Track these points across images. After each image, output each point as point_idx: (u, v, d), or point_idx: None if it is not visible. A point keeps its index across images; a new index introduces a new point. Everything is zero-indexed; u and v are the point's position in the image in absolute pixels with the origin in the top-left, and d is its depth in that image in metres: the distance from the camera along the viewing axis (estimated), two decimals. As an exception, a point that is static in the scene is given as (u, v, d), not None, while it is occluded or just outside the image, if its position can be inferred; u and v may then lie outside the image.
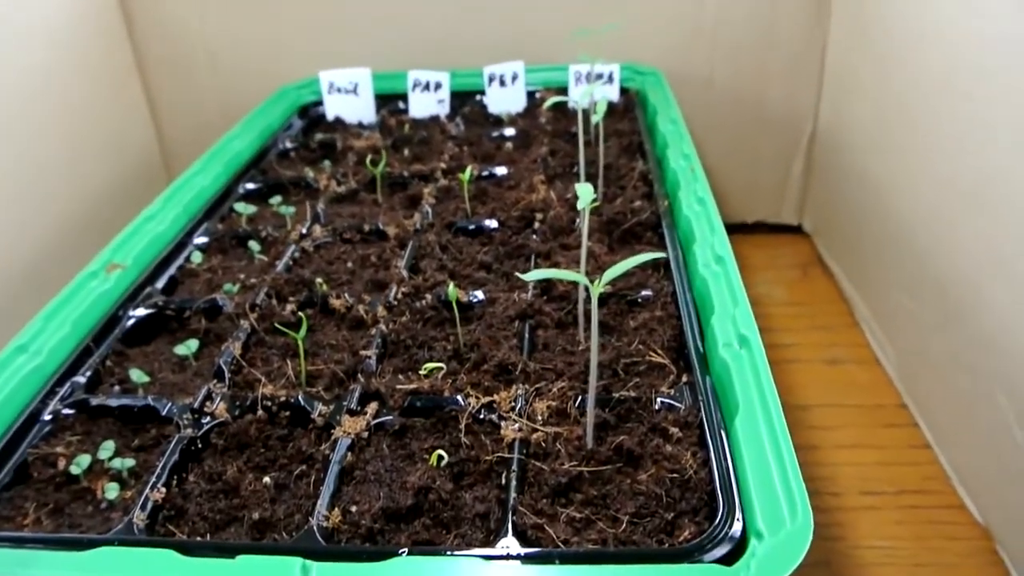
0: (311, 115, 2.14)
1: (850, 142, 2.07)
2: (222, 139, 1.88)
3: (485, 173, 1.71)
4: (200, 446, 1.06)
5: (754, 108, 2.26)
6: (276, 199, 1.69)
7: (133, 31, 2.24)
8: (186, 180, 1.69)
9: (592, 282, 0.85)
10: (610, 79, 2.06)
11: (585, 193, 1.11)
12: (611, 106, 2.02)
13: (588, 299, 1.21)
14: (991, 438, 1.42)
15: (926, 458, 1.62)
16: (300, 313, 1.27)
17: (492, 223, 1.50)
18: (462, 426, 1.02)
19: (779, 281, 2.22)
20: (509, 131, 1.93)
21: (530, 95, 2.11)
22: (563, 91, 2.10)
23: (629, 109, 2.01)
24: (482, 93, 2.12)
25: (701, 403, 1.02)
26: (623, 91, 2.10)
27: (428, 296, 1.29)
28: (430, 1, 2.19)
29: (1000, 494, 1.42)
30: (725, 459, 0.93)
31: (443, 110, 2.10)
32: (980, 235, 1.46)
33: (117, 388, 1.19)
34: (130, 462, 1.04)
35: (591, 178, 1.60)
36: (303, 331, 1.14)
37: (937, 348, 1.62)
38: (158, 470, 1.00)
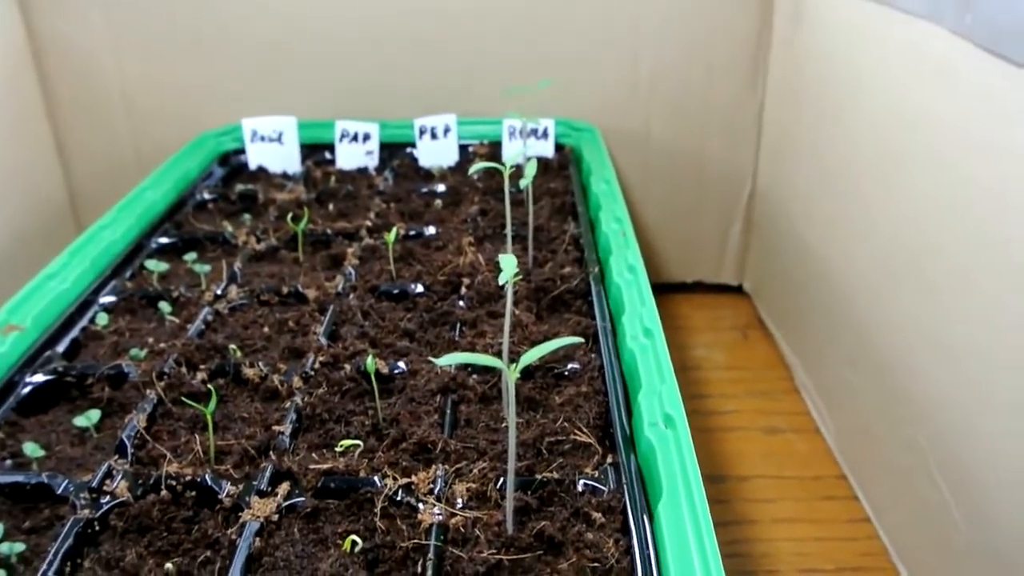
0: (232, 163, 2.15)
1: (787, 205, 2.15)
2: (135, 189, 1.88)
3: (413, 232, 1.73)
4: (98, 528, 1.05)
5: (692, 166, 2.34)
6: (191, 255, 1.69)
7: (41, 68, 2.23)
8: (94, 233, 1.68)
9: (511, 365, 0.88)
10: (545, 135, 2.12)
11: (508, 265, 1.14)
12: (546, 163, 2.07)
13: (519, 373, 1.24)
14: (930, 515, 1.48)
15: (865, 532, 1.67)
16: (210, 384, 1.27)
17: (417, 287, 1.52)
18: (377, 509, 1.04)
19: (719, 344, 2.28)
20: (439, 187, 1.96)
21: (463, 148, 2.15)
22: (496, 145, 2.14)
23: (563, 166, 2.06)
24: (413, 145, 2.15)
25: (625, 487, 1.05)
26: (559, 147, 2.15)
27: (347, 366, 1.31)
28: (360, 49, 2.23)
29: (940, 573, 1.47)
30: (647, 548, 0.96)
31: (372, 162, 2.13)
32: (915, 310, 1.53)
33: (9, 463, 1.18)
34: (20, 546, 1.03)
35: (521, 240, 1.64)
36: (212, 404, 1.14)
37: (876, 421, 1.68)
38: (50, 556, 0.99)
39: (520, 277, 1.49)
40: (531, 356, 0.88)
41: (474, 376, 1.28)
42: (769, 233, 2.30)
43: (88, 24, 2.20)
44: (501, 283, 1.11)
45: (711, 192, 2.38)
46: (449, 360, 0.86)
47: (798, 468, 1.84)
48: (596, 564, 0.96)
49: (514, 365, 0.88)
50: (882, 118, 1.66)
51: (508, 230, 1.46)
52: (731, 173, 2.35)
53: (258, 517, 1.03)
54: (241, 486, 1.09)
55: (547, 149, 2.12)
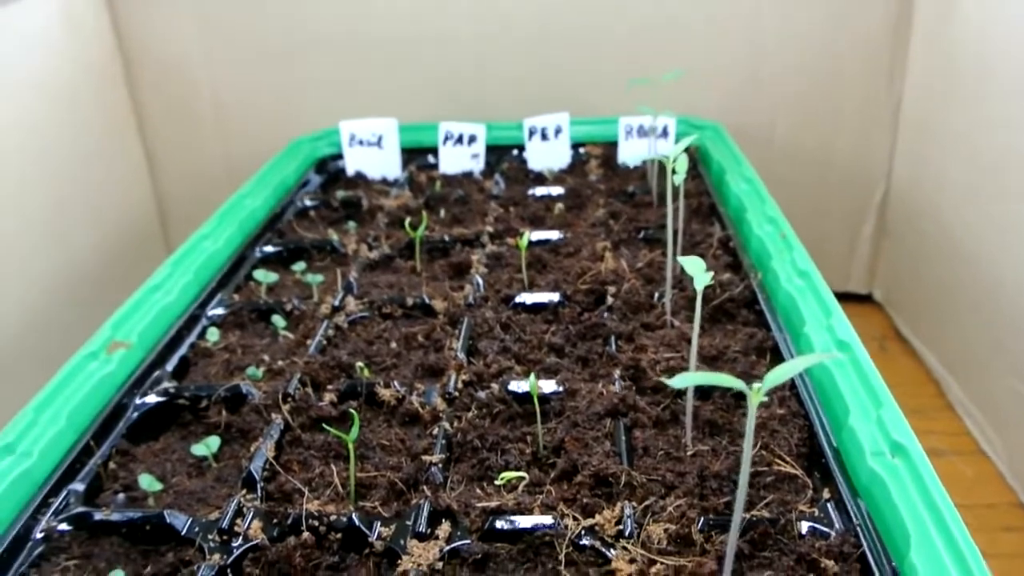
0: (329, 169, 2.01)
1: (932, 201, 1.95)
2: (233, 196, 1.74)
3: (537, 238, 1.57)
4: (230, 576, 0.90)
5: (819, 164, 2.16)
6: (299, 265, 1.55)
7: (131, 77, 2.12)
8: (195, 243, 1.55)
9: (751, 388, 0.71)
10: (664, 133, 1.94)
11: (697, 269, 0.98)
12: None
13: (696, 393, 1.06)
14: None
15: (1059, 571, 1.47)
16: (346, 407, 1.12)
17: (555, 297, 1.36)
18: (561, 556, 0.87)
19: (853, 358, 2.08)
20: (556, 190, 1.80)
21: (574, 149, 1.99)
22: (612, 146, 1.98)
23: (690, 167, 1.89)
24: (519, 147, 2.00)
25: (859, 528, 0.87)
26: (680, 146, 1.98)
27: (494, 385, 1.14)
28: (460, 48, 2.09)
29: None
30: (907, 606, 0.78)
31: (478, 166, 1.98)
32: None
33: (122, 497, 1.03)
34: (144, 599, 0.88)
35: (661, 245, 1.47)
36: (355, 431, 0.98)
37: (1061, 440, 1.48)
38: (180, 610, 0.84)
39: (672, 280, 1.33)
40: (779, 375, 0.70)
41: (642, 398, 1.10)
42: (908, 236, 2.10)
43: (179, 32, 2.09)
44: (697, 287, 0.95)
45: (839, 194, 2.19)
46: (685, 381, 0.69)
47: (967, 495, 1.63)
48: (843, 627, 0.78)
49: (757, 386, 0.71)
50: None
51: (669, 231, 1.28)
52: (862, 173, 2.16)
53: (419, 564, 0.87)
54: (394, 526, 0.92)
55: (667, 149, 1.94)
